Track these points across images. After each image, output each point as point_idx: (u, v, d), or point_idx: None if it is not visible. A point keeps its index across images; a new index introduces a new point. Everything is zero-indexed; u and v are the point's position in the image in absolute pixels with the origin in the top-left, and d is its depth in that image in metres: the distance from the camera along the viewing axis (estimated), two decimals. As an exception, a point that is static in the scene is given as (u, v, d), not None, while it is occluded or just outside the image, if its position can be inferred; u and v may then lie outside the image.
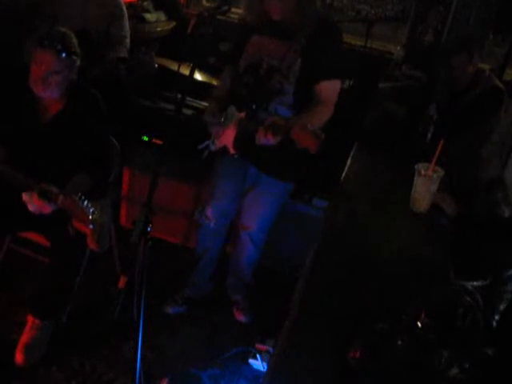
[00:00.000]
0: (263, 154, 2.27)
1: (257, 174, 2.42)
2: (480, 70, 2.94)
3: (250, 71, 2.23)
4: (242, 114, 2.20)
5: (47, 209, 2.10)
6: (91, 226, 2.17)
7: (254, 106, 2.18)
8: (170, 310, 2.74)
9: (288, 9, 2.08)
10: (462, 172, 2.29)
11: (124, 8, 3.37)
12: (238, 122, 2.22)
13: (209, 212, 2.55)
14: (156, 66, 3.58)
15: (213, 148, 2.39)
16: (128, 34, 3.41)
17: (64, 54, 2.10)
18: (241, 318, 2.77)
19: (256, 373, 2.43)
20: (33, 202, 2.08)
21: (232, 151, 2.32)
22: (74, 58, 2.17)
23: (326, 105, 2.21)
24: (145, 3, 4.54)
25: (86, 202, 2.16)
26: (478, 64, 2.93)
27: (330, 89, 2.21)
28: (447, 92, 2.99)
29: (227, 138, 2.31)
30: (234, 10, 2.27)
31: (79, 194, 2.15)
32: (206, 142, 2.40)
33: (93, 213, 2.17)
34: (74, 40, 2.18)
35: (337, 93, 2.24)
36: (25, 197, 2.09)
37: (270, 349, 2.43)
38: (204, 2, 5.07)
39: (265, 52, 2.20)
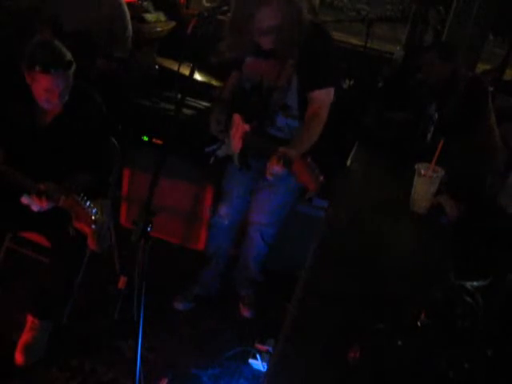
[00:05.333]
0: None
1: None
2: (456, 68, 2.99)
3: (254, 92, 2.29)
4: (248, 127, 2.22)
5: (47, 207, 2.12)
6: (93, 226, 2.17)
7: (255, 123, 2.22)
8: (180, 306, 2.79)
9: (278, 38, 2.10)
10: (463, 172, 2.29)
11: (125, 8, 3.37)
12: (243, 135, 2.24)
13: (223, 210, 2.63)
14: (156, 66, 3.58)
15: (220, 154, 2.44)
16: (130, 33, 3.41)
17: (60, 71, 2.09)
18: (245, 313, 2.81)
19: (256, 373, 2.44)
20: (34, 203, 2.09)
21: (237, 165, 2.37)
22: (69, 67, 2.15)
23: (319, 115, 2.24)
24: (145, 3, 4.54)
25: (88, 203, 2.16)
26: (454, 64, 2.98)
27: (322, 97, 2.24)
28: (430, 92, 3.04)
29: (234, 148, 2.35)
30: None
31: (81, 195, 2.15)
32: (213, 147, 2.42)
33: (95, 213, 2.17)
34: (62, 47, 2.15)
35: (330, 100, 2.27)
36: (24, 200, 2.10)
37: (270, 349, 2.43)
38: (204, 2, 5.08)
39: (263, 74, 2.25)
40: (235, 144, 2.33)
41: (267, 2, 2.01)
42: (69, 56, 2.15)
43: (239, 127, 2.28)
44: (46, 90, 2.12)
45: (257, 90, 2.29)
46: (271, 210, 2.54)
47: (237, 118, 2.32)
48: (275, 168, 1.95)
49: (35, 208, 2.11)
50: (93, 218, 2.15)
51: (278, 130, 2.30)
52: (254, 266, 2.77)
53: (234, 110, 2.34)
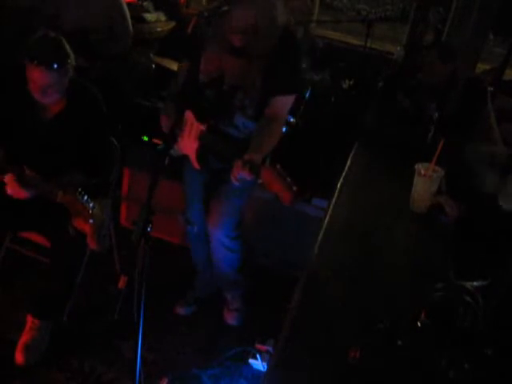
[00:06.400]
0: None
1: (221, 169, 2.31)
2: (457, 68, 2.99)
3: (212, 86, 2.20)
4: (203, 127, 2.15)
5: (22, 193, 2.10)
6: (91, 221, 2.16)
7: (212, 122, 2.16)
8: (182, 310, 2.76)
9: (250, 38, 2.03)
10: (464, 172, 2.29)
11: (125, 7, 3.38)
12: (199, 134, 2.16)
13: (188, 216, 2.56)
14: (153, 65, 3.58)
15: (174, 154, 2.32)
16: (131, 32, 3.41)
17: (56, 66, 2.08)
18: (230, 320, 2.72)
19: (256, 373, 2.43)
20: (8, 184, 2.08)
21: (196, 166, 2.26)
22: (68, 63, 2.14)
23: (277, 119, 2.20)
24: (145, 3, 4.55)
25: (85, 197, 2.15)
26: (455, 64, 2.99)
27: (284, 102, 2.21)
28: (429, 92, 3.04)
29: (189, 149, 2.24)
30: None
31: (79, 190, 2.15)
32: (165, 146, 2.33)
33: (93, 207, 2.17)
34: (64, 43, 2.14)
35: (289, 107, 2.24)
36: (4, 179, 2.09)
37: (270, 349, 2.43)
38: (204, 2, 5.08)
39: (226, 70, 2.16)
40: (190, 144, 2.21)
41: (249, 1, 1.96)
42: (67, 55, 2.14)
43: (194, 126, 2.18)
44: (32, 82, 2.11)
45: (215, 85, 2.18)
46: (223, 214, 2.40)
47: (190, 115, 2.20)
48: (241, 173, 1.89)
49: (9, 190, 2.09)
50: (90, 212, 2.15)
51: (234, 128, 2.24)
52: (228, 270, 2.61)
53: (187, 105, 2.21)
